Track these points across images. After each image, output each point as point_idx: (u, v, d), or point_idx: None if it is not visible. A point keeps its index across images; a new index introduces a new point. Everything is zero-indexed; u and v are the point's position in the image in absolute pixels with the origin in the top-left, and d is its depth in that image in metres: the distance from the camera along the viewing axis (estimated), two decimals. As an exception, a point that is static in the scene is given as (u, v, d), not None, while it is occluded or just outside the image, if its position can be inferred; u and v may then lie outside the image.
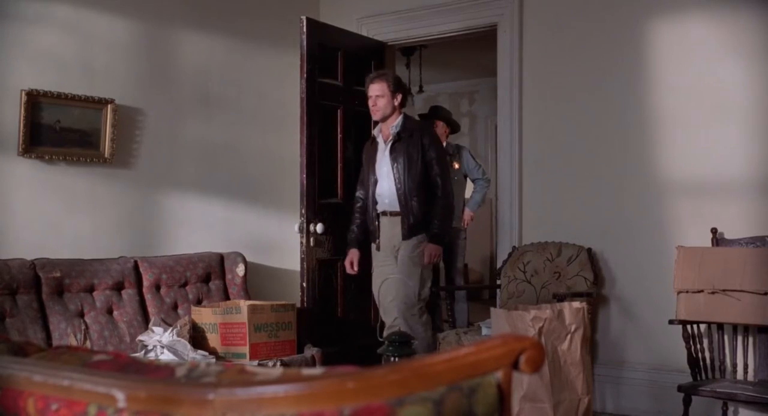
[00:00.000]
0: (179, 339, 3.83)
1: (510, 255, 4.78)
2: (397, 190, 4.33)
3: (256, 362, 3.84)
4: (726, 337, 4.02)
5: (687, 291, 3.92)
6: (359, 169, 4.70)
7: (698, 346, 3.88)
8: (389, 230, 4.38)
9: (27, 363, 1.22)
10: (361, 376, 0.96)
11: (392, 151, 4.36)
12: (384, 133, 4.46)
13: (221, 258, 4.57)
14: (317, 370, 1.03)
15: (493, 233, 9.03)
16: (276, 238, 5.18)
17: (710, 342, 3.98)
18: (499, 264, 4.91)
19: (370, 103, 4.40)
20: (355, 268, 4.55)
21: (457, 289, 5.80)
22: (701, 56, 4.30)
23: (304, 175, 4.68)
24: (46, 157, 4.01)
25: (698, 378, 3.84)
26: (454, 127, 6.28)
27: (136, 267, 4.17)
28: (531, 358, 1.00)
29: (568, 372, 3.44)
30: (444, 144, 6.03)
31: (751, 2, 4.17)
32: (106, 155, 4.26)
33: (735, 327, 3.99)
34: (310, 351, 4.18)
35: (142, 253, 4.33)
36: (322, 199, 4.82)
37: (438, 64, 8.55)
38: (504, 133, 4.98)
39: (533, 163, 4.86)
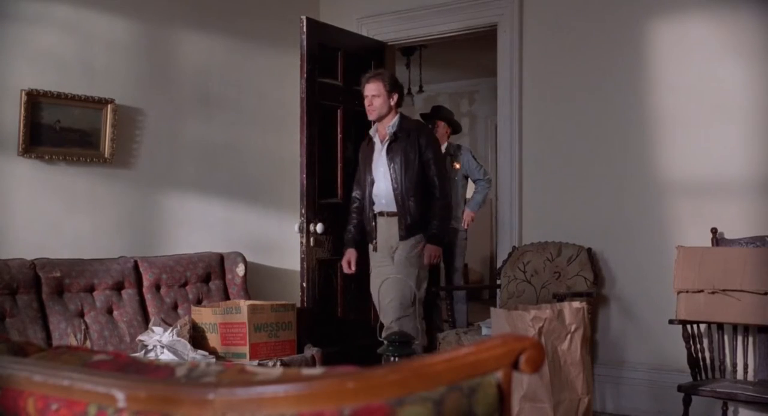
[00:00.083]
0: (179, 339, 3.83)
1: (510, 255, 4.78)
2: (394, 190, 4.30)
3: (256, 362, 3.84)
4: (726, 337, 4.02)
5: (687, 291, 3.92)
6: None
7: (698, 346, 3.88)
8: (386, 231, 4.36)
9: (27, 363, 1.22)
10: (361, 376, 0.96)
11: (389, 151, 4.34)
12: (380, 133, 4.44)
13: (221, 258, 4.57)
14: (317, 370, 1.04)
15: (493, 233, 9.03)
16: (276, 238, 5.18)
17: (710, 342, 3.98)
18: (499, 264, 4.91)
19: (366, 102, 4.38)
20: (353, 268, 4.55)
21: (457, 289, 5.78)
22: (701, 56, 4.30)
23: (304, 175, 4.68)
24: (46, 157, 4.01)
25: (698, 378, 3.84)
26: (455, 128, 6.25)
27: (136, 267, 4.17)
28: (531, 358, 1.00)
29: (568, 372, 3.44)
30: (446, 144, 6.02)
31: (751, 2, 4.17)
32: (106, 155, 4.26)
33: (735, 327, 3.99)
34: (310, 351, 4.17)
35: (142, 253, 4.33)
36: (322, 199, 4.82)
37: (438, 64, 8.55)
38: (504, 133, 4.98)
39: (533, 163, 4.86)
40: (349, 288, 4.93)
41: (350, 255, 4.55)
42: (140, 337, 3.87)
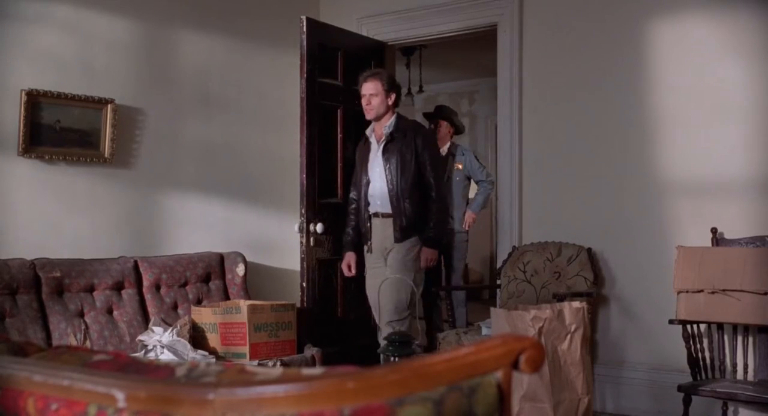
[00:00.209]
0: (179, 339, 3.83)
1: (510, 255, 4.78)
2: (389, 191, 4.28)
3: (256, 362, 3.84)
4: (726, 337, 4.02)
5: (687, 291, 3.92)
6: (357, 169, 4.69)
7: (698, 346, 3.88)
8: (381, 232, 4.34)
9: (27, 363, 1.22)
10: (361, 376, 0.96)
11: (385, 151, 4.32)
12: (377, 133, 4.42)
13: (221, 258, 4.57)
14: (317, 370, 1.04)
15: (493, 233, 9.03)
16: (276, 238, 5.18)
17: (710, 342, 3.98)
18: (499, 264, 4.91)
19: (364, 101, 4.36)
20: (353, 271, 4.54)
21: (457, 289, 5.77)
22: (701, 56, 4.30)
23: (304, 175, 4.68)
24: (46, 157, 4.01)
25: (698, 378, 3.84)
26: (458, 128, 6.21)
27: (136, 267, 4.17)
28: (531, 358, 1.00)
29: (568, 372, 3.44)
30: (448, 144, 6.00)
31: (751, 2, 4.17)
32: (106, 155, 4.26)
33: (735, 327, 3.99)
34: (310, 351, 4.17)
35: (142, 253, 4.33)
36: (322, 199, 4.82)
37: (438, 64, 8.55)
38: (504, 133, 4.98)
39: (533, 163, 4.86)
40: (349, 288, 4.93)
41: (350, 258, 4.54)
42: (140, 337, 3.87)
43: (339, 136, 5.01)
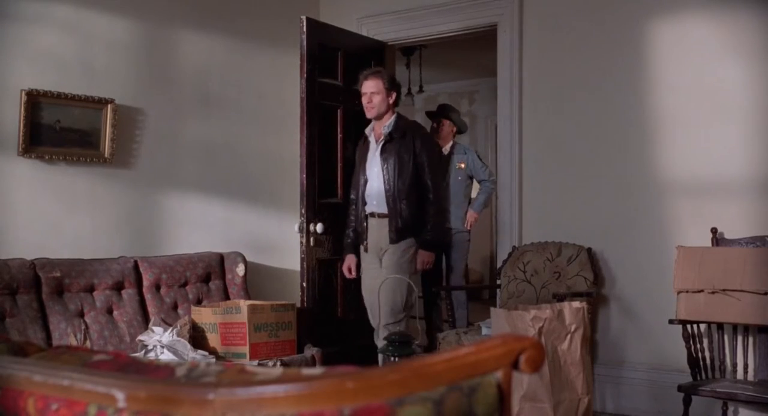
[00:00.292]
0: (179, 339, 3.83)
1: (510, 255, 4.78)
2: (386, 191, 4.26)
3: (256, 362, 3.84)
4: (726, 337, 4.02)
5: (687, 291, 3.92)
6: (357, 169, 4.68)
7: (698, 346, 3.88)
8: (376, 231, 4.32)
9: (27, 363, 1.22)
10: (361, 376, 0.96)
11: (383, 151, 4.31)
12: (376, 132, 4.41)
13: (221, 258, 4.57)
14: (317, 370, 1.04)
15: (493, 233, 9.03)
16: (276, 238, 5.18)
17: (710, 342, 3.98)
18: (499, 264, 4.91)
19: (365, 100, 4.34)
20: (354, 274, 4.53)
21: (457, 289, 5.76)
22: (701, 56, 4.30)
23: (304, 175, 4.68)
24: (46, 157, 4.01)
25: (698, 378, 3.84)
26: (460, 128, 6.19)
27: (136, 267, 4.17)
28: (531, 358, 1.00)
29: (568, 372, 3.44)
30: (450, 143, 6.00)
31: (751, 2, 4.17)
32: (106, 155, 4.26)
33: (735, 327, 3.99)
34: (310, 351, 4.17)
35: (142, 253, 4.33)
36: (322, 199, 4.81)
37: (438, 64, 8.55)
38: (504, 133, 4.98)
39: (533, 163, 4.86)
40: (349, 288, 4.93)
41: (350, 261, 4.53)
42: (140, 337, 3.87)
43: (339, 136, 5.01)
